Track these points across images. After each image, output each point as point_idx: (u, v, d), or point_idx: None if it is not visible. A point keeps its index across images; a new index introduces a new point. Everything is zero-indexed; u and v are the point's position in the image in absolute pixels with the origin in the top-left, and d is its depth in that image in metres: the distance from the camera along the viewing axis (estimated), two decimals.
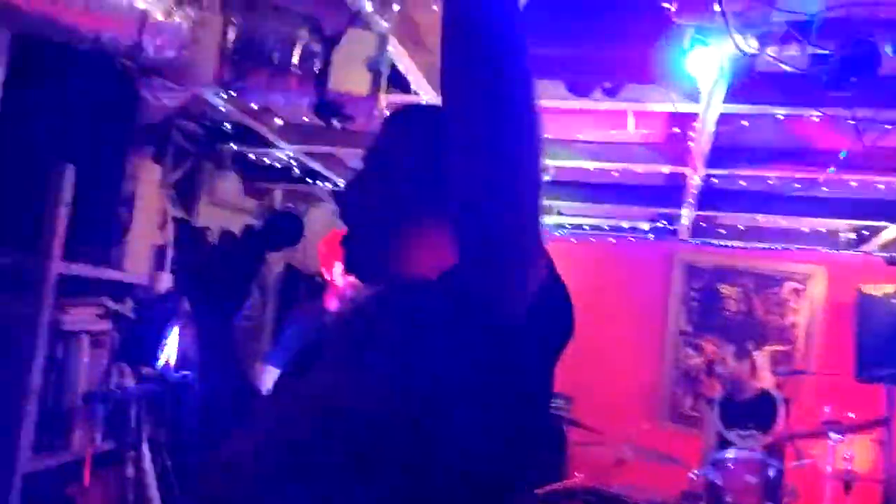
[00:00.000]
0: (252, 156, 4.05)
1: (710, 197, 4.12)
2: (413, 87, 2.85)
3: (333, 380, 0.92)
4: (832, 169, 3.21)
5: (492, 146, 0.79)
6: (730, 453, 3.79)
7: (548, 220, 5.04)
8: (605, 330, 5.33)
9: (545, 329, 0.95)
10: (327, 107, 2.42)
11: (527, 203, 0.83)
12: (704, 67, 1.91)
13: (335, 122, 2.52)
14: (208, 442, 1.16)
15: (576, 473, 4.04)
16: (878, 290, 4.56)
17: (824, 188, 3.64)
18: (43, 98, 2.35)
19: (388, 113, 1.10)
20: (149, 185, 2.94)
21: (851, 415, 3.84)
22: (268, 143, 3.82)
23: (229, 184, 3.88)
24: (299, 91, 2.37)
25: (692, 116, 2.85)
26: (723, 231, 4.81)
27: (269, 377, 3.28)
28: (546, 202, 4.64)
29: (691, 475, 3.84)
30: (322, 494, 0.85)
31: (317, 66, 2.30)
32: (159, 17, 2.08)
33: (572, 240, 5.18)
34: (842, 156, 2.98)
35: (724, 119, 2.76)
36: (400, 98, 2.94)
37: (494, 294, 0.87)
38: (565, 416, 4.56)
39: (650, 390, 5.25)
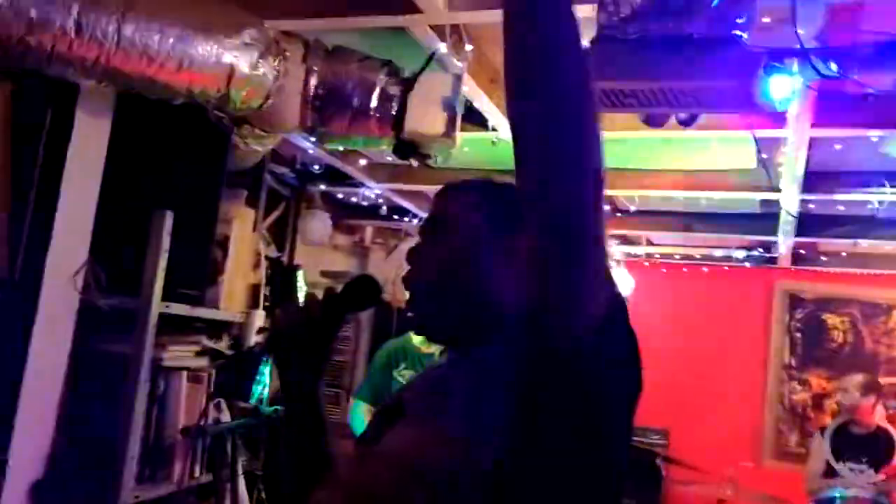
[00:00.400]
0: (341, 195, 4.18)
1: (809, 223, 3.95)
2: (491, 124, 2.89)
3: (413, 437, 0.99)
4: None
5: (553, 155, 0.83)
6: (837, 492, 3.57)
7: (637, 249, 4.95)
8: (704, 362, 5.16)
9: (614, 355, 0.94)
10: (405, 146, 2.49)
11: (585, 220, 0.85)
12: (786, 92, 1.85)
13: (413, 161, 2.58)
14: (288, 484, 1.22)
15: None
16: None
17: None
18: (143, 150, 2.52)
19: (443, 187, 1.14)
20: (243, 227, 3.08)
21: None
22: (356, 183, 3.95)
23: (320, 223, 4.01)
24: (378, 132, 2.45)
25: (780, 140, 2.77)
26: (824, 258, 4.59)
27: (358, 411, 3.35)
28: (635, 232, 4.56)
29: None
30: None
31: (394, 108, 2.37)
32: (245, 69, 2.20)
33: (663, 270, 5.06)
34: None
35: (814, 143, 2.66)
36: (478, 134, 2.99)
37: (558, 314, 0.88)
38: (661, 452, 4.42)
39: (752, 426, 5.02)
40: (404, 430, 1.02)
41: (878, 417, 4.40)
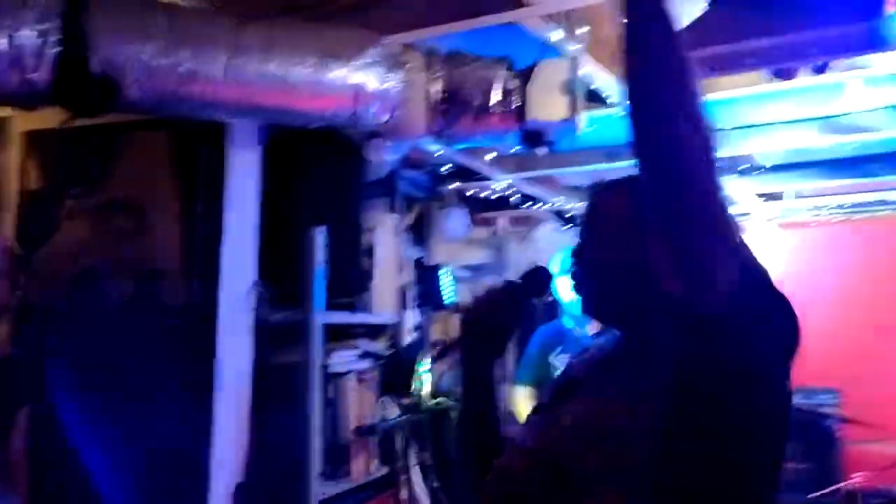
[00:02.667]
0: (472, 191, 4.28)
1: None
2: (610, 100, 2.88)
3: (589, 407, 1.14)
4: None
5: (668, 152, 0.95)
6: None
7: (783, 206, 4.74)
8: (876, 317, 4.89)
9: (759, 317, 1.01)
10: (530, 137, 2.54)
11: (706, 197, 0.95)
12: None
13: (539, 150, 2.63)
14: (467, 463, 1.36)
15: (854, 474, 3.72)
16: None
17: None
18: (291, 174, 2.72)
19: (594, 187, 1.29)
20: (386, 234, 3.25)
21: None
22: (485, 177, 4.04)
23: (457, 220, 4.13)
24: (502, 127, 2.52)
25: None
26: None
27: (518, 395, 3.43)
28: (782, 187, 4.38)
29: None
30: None
31: (515, 102, 2.44)
32: (372, 86, 2.34)
33: (817, 225, 4.82)
34: None
35: None
36: (602, 111, 2.98)
37: (690, 286, 0.97)
38: (834, 412, 4.23)
39: None
40: (581, 401, 1.17)
41: None
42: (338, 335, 2.92)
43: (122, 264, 2.72)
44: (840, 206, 4.71)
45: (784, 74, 2.01)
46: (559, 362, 3.29)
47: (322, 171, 2.75)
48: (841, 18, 1.51)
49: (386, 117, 2.42)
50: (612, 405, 1.10)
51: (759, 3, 1.72)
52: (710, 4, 1.84)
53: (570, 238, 5.61)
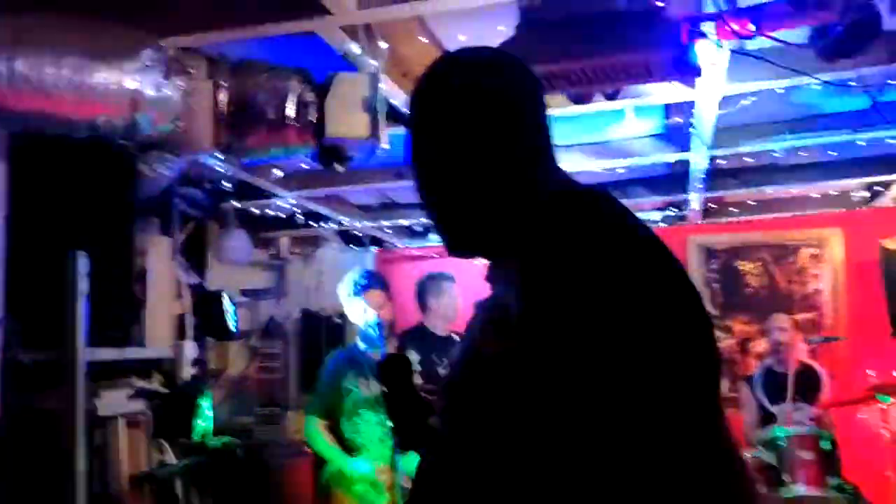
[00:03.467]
0: (255, 209, 4.03)
1: (718, 178, 4.10)
2: (404, 119, 2.83)
3: (476, 343, 1.00)
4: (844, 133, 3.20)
5: None
6: (778, 431, 3.72)
7: None
8: None
9: None
10: (328, 153, 2.41)
11: None
12: (703, 56, 1.89)
13: (337, 167, 2.50)
14: None
15: None
16: None
17: (831, 152, 3.61)
18: (47, 190, 2.34)
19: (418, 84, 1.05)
20: (159, 257, 2.93)
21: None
22: (269, 194, 3.82)
23: (238, 241, 3.86)
24: (299, 143, 2.35)
25: (691, 104, 2.84)
26: (734, 209, 4.77)
27: (312, 426, 3.17)
28: None
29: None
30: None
31: (312, 115, 2.29)
32: (149, 92, 2.07)
33: None
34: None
35: (725, 101, 2.74)
36: (396, 129, 2.92)
37: None
38: None
39: None
40: (472, 344, 1.03)
41: (802, 354, 4.63)
42: (105, 374, 2.56)
43: None
44: None
45: (581, 99, 2.06)
46: (353, 386, 3.14)
47: (86, 187, 2.40)
48: (648, 45, 1.56)
49: (166, 127, 2.16)
50: (491, 338, 0.96)
51: (562, 30, 1.74)
52: (515, 29, 1.83)
53: (354, 258, 5.51)
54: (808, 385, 4.02)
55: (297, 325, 5.25)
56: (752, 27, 1.77)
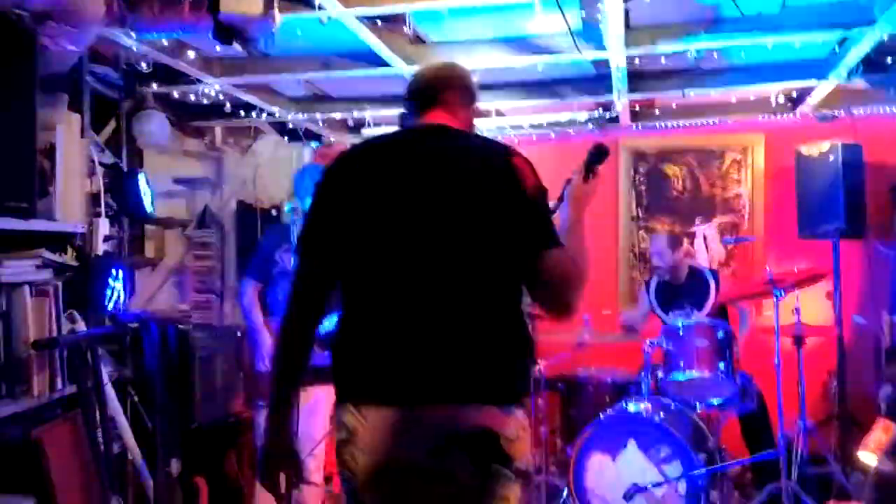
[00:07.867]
0: (177, 94, 4.02)
1: (640, 80, 4.17)
2: (317, 2, 2.83)
3: None
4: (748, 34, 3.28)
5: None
6: (680, 321, 3.96)
7: (488, 123, 5.06)
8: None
9: None
10: (224, 31, 2.43)
11: None
12: None
13: (237, 45, 2.53)
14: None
15: (538, 362, 4.20)
16: (814, 149, 4.66)
17: (742, 54, 3.68)
18: None
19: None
20: (69, 134, 2.95)
21: (795, 270, 3.96)
22: (192, 80, 3.81)
23: (156, 124, 3.86)
24: (193, 19, 2.37)
25: None
26: (658, 112, 4.86)
27: (247, 288, 3.65)
28: (484, 106, 4.65)
29: (645, 347, 4.01)
30: None
31: None
32: None
33: (515, 139, 5.21)
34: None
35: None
36: (305, 14, 2.92)
37: None
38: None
39: (607, 276, 5.40)
40: None
41: (719, 255, 4.91)
42: (12, 243, 2.63)
43: None
44: (536, 126, 5.15)
45: None
46: (283, 260, 3.55)
47: None
48: None
49: None
50: None
51: None
52: None
53: (292, 153, 5.53)
54: (696, 291, 4.36)
55: (233, 216, 5.32)
56: None
